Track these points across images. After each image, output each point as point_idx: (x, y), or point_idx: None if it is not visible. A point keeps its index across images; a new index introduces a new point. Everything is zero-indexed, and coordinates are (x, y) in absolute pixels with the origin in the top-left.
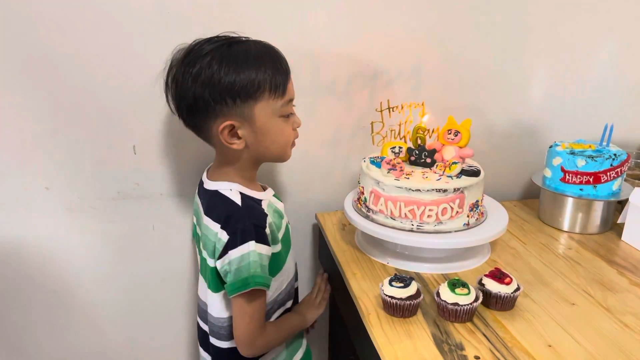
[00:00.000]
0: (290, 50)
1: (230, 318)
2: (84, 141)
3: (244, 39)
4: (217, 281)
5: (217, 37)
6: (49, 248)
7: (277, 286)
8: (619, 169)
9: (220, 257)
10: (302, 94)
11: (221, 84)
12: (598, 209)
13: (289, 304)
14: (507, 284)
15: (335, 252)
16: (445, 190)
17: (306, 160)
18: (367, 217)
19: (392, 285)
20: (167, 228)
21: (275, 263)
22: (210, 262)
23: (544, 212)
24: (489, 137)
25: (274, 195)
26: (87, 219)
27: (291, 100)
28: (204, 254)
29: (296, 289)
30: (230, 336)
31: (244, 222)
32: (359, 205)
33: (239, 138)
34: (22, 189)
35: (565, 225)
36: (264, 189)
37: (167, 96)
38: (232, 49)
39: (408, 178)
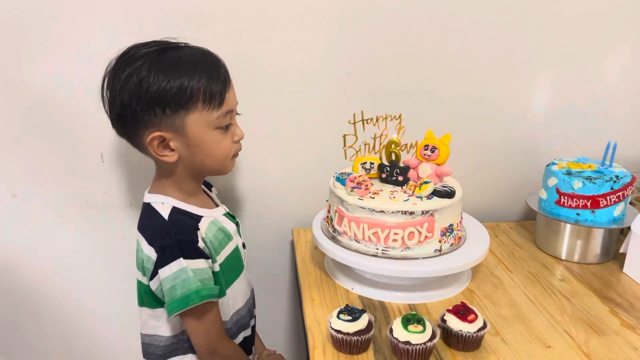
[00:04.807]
0: (268, 64)
1: (170, 337)
2: (51, 148)
3: (181, 44)
4: (149, 298)
5: (154, 41)
6: (15, 256)
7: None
8: (620, 193)
9: (152, 276)
10: (284, 107)
11: (150, 92)
12: (597, 236)
13: (239, 337)
14: (470, 322)
15: (300, 273)
16: (412, 213)
17: (287, 174)
18: (332, 238)
19: (339, 318)
20: None
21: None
22: (142, 279)
23: (539, 237)
24: (481, 153)
25: (227, 214)
26: (55, 227)
27: (231, 111)
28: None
29: (253, 326)
30: (165, 355)
31: (166, 239)
32: (327, 224)
33: (172, 150)
34: None
35: (563, 253)
36: (217, 206)
37: (103, 103)
38: (164, 54)
39: (373, 198)
